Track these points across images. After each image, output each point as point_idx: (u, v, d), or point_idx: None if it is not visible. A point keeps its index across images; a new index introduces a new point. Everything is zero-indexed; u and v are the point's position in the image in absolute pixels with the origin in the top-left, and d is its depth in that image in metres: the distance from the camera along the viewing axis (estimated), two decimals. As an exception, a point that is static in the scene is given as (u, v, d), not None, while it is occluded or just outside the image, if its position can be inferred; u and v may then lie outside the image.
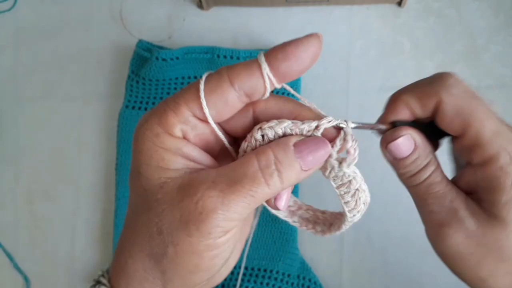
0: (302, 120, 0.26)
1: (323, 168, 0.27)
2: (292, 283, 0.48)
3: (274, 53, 0.24)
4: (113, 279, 0.27)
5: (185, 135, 0.25)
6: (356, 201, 0.28)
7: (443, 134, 0.28)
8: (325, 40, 0.57)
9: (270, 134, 0.25)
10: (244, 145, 0.26)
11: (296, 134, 0.26)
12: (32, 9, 0.55)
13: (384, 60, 0.52)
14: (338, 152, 0.26)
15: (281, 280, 0.48)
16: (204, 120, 0.25)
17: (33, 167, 0.53)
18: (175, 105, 0.25)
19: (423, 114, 0.27)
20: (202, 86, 0.24)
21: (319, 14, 0.52)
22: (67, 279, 0.51)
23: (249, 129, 0.26)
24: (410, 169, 0.28)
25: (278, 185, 0.24)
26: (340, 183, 0.27)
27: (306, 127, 0.25)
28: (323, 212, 0.32)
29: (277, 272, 0.48)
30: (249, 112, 0.27)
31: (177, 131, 0.25)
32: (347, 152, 0.26)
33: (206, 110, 0.24)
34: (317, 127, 0.26)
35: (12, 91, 0.54)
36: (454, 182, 0.29)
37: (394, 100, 0.28)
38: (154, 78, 0.50)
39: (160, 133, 0.25)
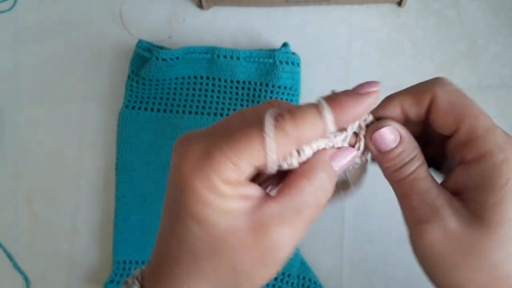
0: None
1: None
2: (292, 283, 0.48)
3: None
4: None
5: (239, 178, 0.25)
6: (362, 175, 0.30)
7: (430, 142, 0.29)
8: (325, 40, 0.57)
9: (307, 150, 0.26)
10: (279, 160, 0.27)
11: (328, 148, 0.27)
12: (32, 9, 0.55)
13: (384, 60, 0.52)
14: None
15: (281, 280, 0.48)
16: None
17: (33, 167, 0.53)
18: (236, 159, 0.24)
19: (417, 112, 0.27)
20: (270, 152, 0.24)
21: (319, 14, 0.52)
22: (67, 279, 0.51)
23: None
24: (395, 162, 0.27)
25: (326, 201, 0.27)
26: (354, 170, 0.29)
27: (338, 140, 0.27)
28: None
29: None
30: None
31: (235, 179, 0.25)
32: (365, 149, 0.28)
33: (273, 169, 0.25)
34: (345, 138, 0.28)
35: (12, 91, 0.54)
36: (442, 184, 0.28)
37: (388, 98, 0.28)
38: (154, 78, 0.50)
39: (220, 185, 0.24)
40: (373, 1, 0.52)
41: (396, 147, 0.27)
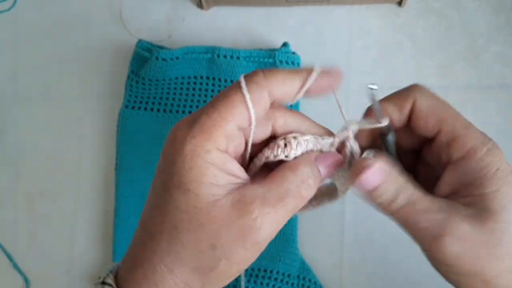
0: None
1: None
2: (292, 283, 0.48)
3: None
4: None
5: (227, 148, 0.27)
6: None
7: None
8: (325, 40, 0.57)
9: (293, 144, 0.28)
10: (267, 152, 0.29)
11: (314, 150, 0.29)
12: (32, 9, 0.55)
13: (384, 60, 0.52)
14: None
15: (281, 280, 0.48)
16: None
17: (33, 167, 0.53)
18: (224, 121, 0.26)
19: (400, 117, 0.29)
20: (249, 102, 0.26)
21: (319, 14, 0.52)
22: (67, 279, 0.51)
23: (267, 142, 0.30)
24: (385, 197, 0.28)
25: (309, 195, 0.28)
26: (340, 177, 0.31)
27: (325, 143, 0.29)
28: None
29: (277, 272, 0.48)
30: (269, 127, 0.29)
31: (224, 146, 0.26)
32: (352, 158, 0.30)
33: (254, 122, 0.27)
34: (332, 144, 0.30)
35: (12, 91, 0.54)
36: (435, 191, 0.29)
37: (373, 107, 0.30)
38: (154, 78, 0.50)
39: (211, 150, 0.25)
40: (373, 1, 0.52)
41: (381, 184, 0.28)
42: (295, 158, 0.28)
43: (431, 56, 0.51)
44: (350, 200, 0.49)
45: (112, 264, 0.30)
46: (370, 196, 0.28)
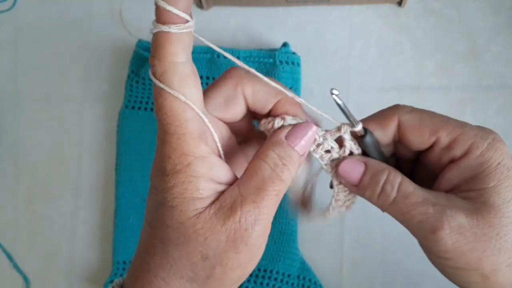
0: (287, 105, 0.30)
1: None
2: (292, 283, 0.48)
3: None
4: None
5: (210, 150, 0.27)
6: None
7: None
8: (325, 40, 0.57)
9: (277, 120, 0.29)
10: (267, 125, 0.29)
11: (284, 126, 0.29)
12: (32, 9, 0.55)
13: (384, 60, 0.52)
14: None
15: (281, 280, 0.48)
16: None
17: (33, 167, 0.53)
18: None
19: (384, 135, 0.29)
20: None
21: (319, 14, 0.52)
22: (67, 279, 0.51)
23: (245, 116, 0.31)
24: (373, 187, 0.28)
25: (289, 176, 0.27)
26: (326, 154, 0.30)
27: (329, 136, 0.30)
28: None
29: (277, 272, 0.48)
30: (241, 100, 0.29)
31: (205, 151, 0.26)
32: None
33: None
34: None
35: (12, 91, 0.54)
36: (433, 187, 0.29)
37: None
38: (154, 78, 0.50)
39: (192, 162, 0.26)
40: (373, 1, 0.52)
41: (364, 173, 0.29)
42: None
43: (431, 56, 0.51)
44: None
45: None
46: (360, 188, 0.29)
